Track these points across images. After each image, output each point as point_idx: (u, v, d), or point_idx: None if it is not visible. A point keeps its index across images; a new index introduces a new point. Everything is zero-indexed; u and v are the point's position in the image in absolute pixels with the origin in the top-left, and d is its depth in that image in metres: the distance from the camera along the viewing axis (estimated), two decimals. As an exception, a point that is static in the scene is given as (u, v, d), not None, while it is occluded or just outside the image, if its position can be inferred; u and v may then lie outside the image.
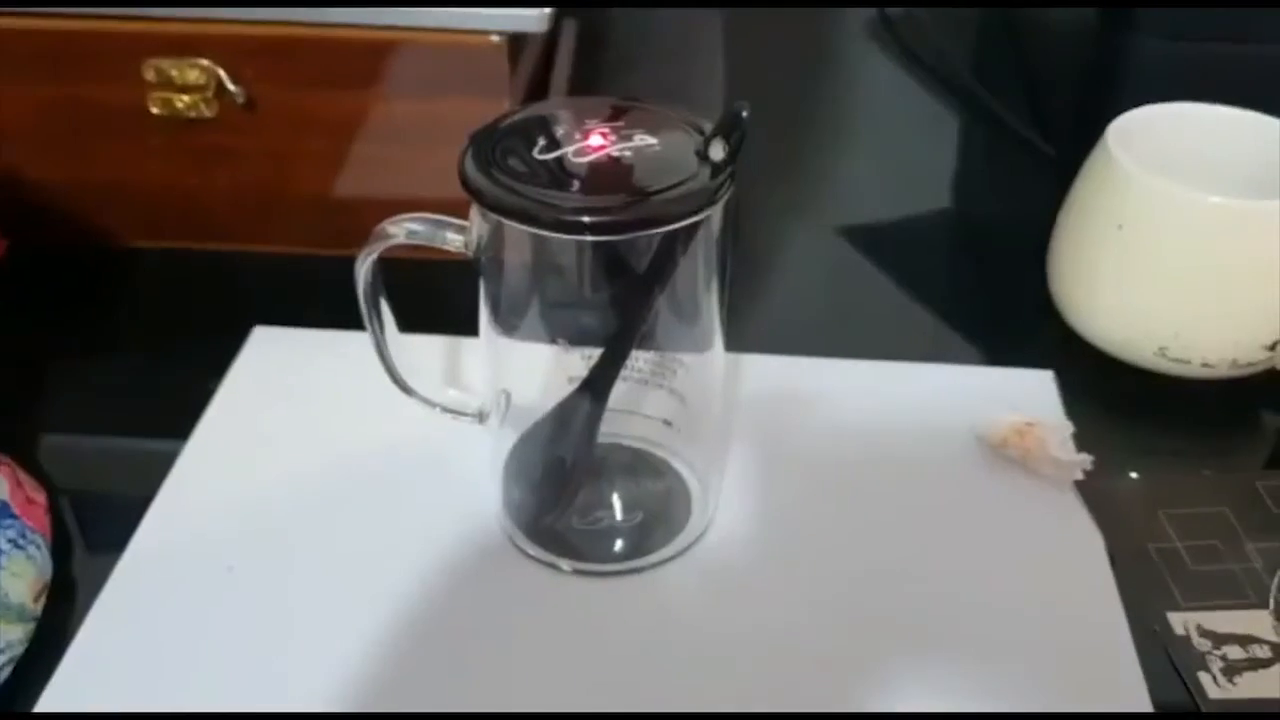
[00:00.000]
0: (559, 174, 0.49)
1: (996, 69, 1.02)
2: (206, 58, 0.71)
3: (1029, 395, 0.68)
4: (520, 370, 0.58)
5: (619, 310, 0.53)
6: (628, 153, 0.50)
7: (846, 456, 0.64)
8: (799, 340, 0.72)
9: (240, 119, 0.73)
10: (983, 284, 0.79)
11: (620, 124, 0.51)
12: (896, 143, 0.96)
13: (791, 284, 0.78)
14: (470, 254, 0.52)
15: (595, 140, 0.50)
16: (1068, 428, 0.63)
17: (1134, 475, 0.63)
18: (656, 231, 0.48)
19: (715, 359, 0.57)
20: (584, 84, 0.86)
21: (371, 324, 0.56)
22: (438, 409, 0.58)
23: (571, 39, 0.90)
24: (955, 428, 0.65)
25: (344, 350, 0.63)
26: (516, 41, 0.71)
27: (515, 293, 0.53)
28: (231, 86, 0.70)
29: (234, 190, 0.76)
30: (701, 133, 0.51)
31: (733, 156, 0.49)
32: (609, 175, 0.49)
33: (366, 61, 0.71)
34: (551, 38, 0.71)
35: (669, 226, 0.48)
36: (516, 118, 0.52)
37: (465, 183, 0.49)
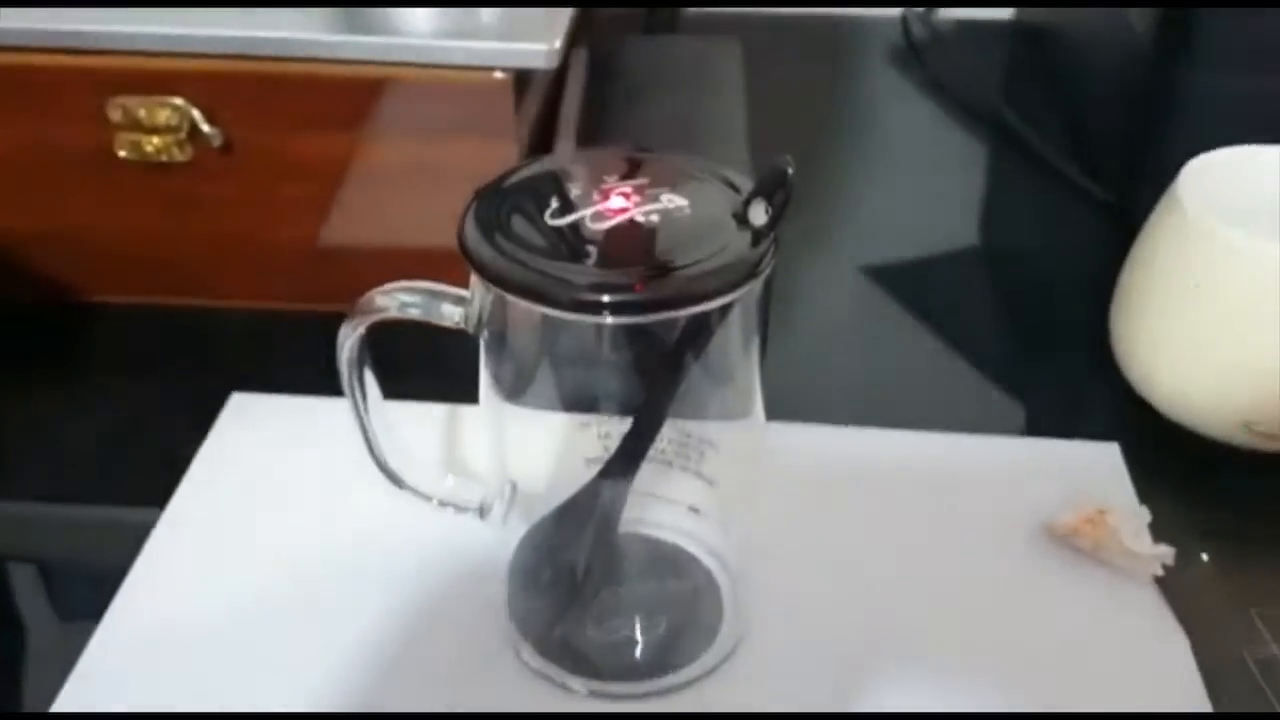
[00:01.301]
0: (574, 242, 0.42)
1: (1028, 96, 0.94)
2: (179, 96, 0.65)
3: (1093, 472, 0.61)
4: (527, 453, 0.51)
5: (644, 389, 0.45)
6: (654, 216, 0.43)
7: (898, 544, 0.57)
8: (826, 399, 0.66)
9: (217, 163, 0.67)
10: (1032, 339, 0.72)
11: (644, 181, 0.44)
12: (925, 178, 0.89)
13: (815, 334, 0.72)
14: (470, 330, 0.45)
15: (616, 202, 0.43)
16: (1144, 515, 0.56)
17: (1214, 566, 0.56)
18: (688, 312, 0.40)
19: (752, 437, 0.49)
20: (595, 119, 0.79)
21: (356, 404, 0.49)
22: (434, 503, 0.51)
23: (581, 70, 0.82)
24: (1015, 510, 0.59)
25: (329, 419, 0.55)
26: (522, 77, 0.64)
27: (522, 373, 0.46)
28: (206, 128, 0.64)
29: (210, 241, 0.70)
30: (738, 190, 0.44)
31: (776, 220, 0.42)
32: (632, 244, 0.42)
33: (356, 101, 0.65)
34: (560, 70, 0.64)
35: (703, 306, 0.40)
36: (524, 173, 0.45)
37: (466, 251, 0.42)
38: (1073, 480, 0.60)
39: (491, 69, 0.63)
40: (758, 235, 0.42)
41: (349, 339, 0.47)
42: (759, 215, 0.42)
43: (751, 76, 0.90)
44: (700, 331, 0.42)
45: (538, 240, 0.42)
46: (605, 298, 0.40)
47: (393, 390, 0.50)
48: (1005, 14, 1.07)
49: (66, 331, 0.71)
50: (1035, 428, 0.66)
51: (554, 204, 0.44)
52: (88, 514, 0.61)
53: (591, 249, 0.42)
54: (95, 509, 0.61)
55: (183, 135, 0.65)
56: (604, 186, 0.44)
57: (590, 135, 0.76)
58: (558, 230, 0.43)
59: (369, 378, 0.49)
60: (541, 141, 0.72)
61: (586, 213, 0.43)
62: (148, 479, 0.60)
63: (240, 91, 0.65)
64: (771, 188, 0.42)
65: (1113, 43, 0.84)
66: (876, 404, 0.66)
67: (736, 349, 0.46)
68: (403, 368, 0.50)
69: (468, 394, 0.49)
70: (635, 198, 0.44)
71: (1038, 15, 1.03)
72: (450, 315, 0.46)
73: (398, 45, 0.63)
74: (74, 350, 0.71)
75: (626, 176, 0.45)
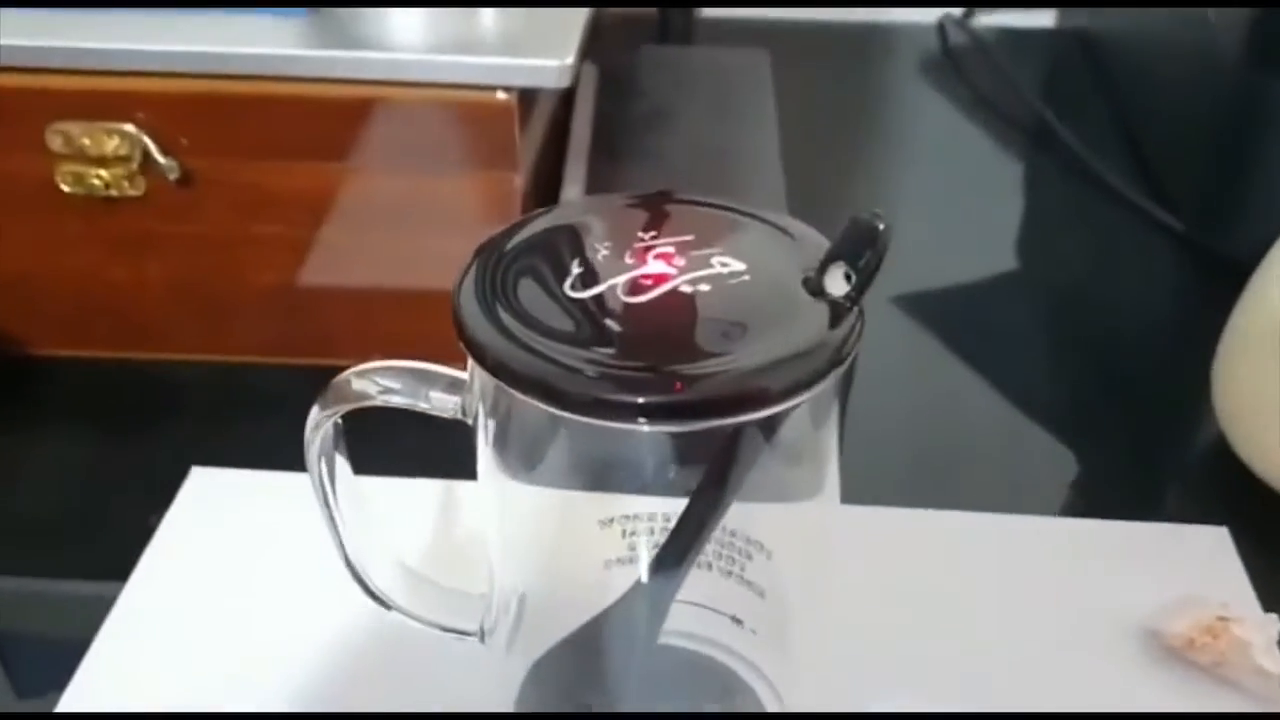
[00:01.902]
0: (602, 321, 0.32)
1: (1080, 109, 0.85)
2: (128, 122, 0.56)
3: (1197, 561, 0.52)
4: (536, 555, 0.43)
5: (690, 498, 0.36)
6: (703, 286, 0.33)
7: (977, 653, 0.48)
8: (872, 468, 0.56)
9: (175, 199, 0.58)
10: (1103, 393, 0.62)
11: (688, 238, 0.35)
12: (966, 199, 0.80)
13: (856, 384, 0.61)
14: (470, 421, 0.35)
15: (655, 266, 0.34)
16: (1273, 624, 0.46)
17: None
18: (748, 419, 0.31)
19: (817, 535, 0.40)
20: (611, 142, 0.70)
21: (329, 507, 0.40)
22: (423, 624, 0.41)
23: (592, 85, 0.73)
24: (1113, 610, 0.50)
25: (302, 499, 0.45)
26: (526, 97, 0.55)
27: (533, 474, 0.36)
28: (161, 159, 0.55)
29: (168, 287, 0.61)
30: (804, 246, 0.35)
31: (863, 290, 0.32)
32: (678, 324, 0.33)
33: (336, 126, 0.56)
34: (569, 88, 0.55)
35: (768, 410, 0.31)
36: (536, 226, 0.36)
37: (462, 329, 0.33)
38: (1175, 571, 0.51)
39: (493, 89, 0.55)
40: (838, 310, 0.33)
41: (318, 431, 0.38)
42: (838, 283, 0.33)
43: (777, 89, 0.81)
44: (762, 438, 0.33)
45: (554, 318, 0.33)
46: (640, 399, 0.30)
47: (375, 453, 0.42)
48: (1050, 17, 0.98)
49: (11, 390, 0.63)
50: (1116, 503, 0.56)
51: (574, 268, 0.34)
52: (41, 588, 0.55)
53: (624, 330, 0.32)
54: (47, 582, 0.55)
55: (134, 167, 0.57)
56: (638, 245, 0.35)
57: (605, 161, 0.68)
58: (580, 305, 0.33)
59: (344, 471, 0.39)
60: (548, 171, 0.64)
61: (618, 281, 0.34)
62: (98, 558, 0.54)
63: (200, 116, 0.56)
64: (856, 248, 0.33)
65: (1185, 47, 0.74)
66: (929, 469, 0.58)
67: (805, 431, 0.37)
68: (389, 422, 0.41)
69: (466, 464, 0.40)
70: (679, 260, 0.34)
71: (1090, 18, 0.93)
72: (443, 405, 0.37)
73: (384, 61, 0.54)
74: (14, 412, 0.62)
75: (663, 229, 0.36)
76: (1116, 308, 0.71)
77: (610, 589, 0.41)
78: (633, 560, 0.43)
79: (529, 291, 0.34)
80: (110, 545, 0.54)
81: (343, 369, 0.62)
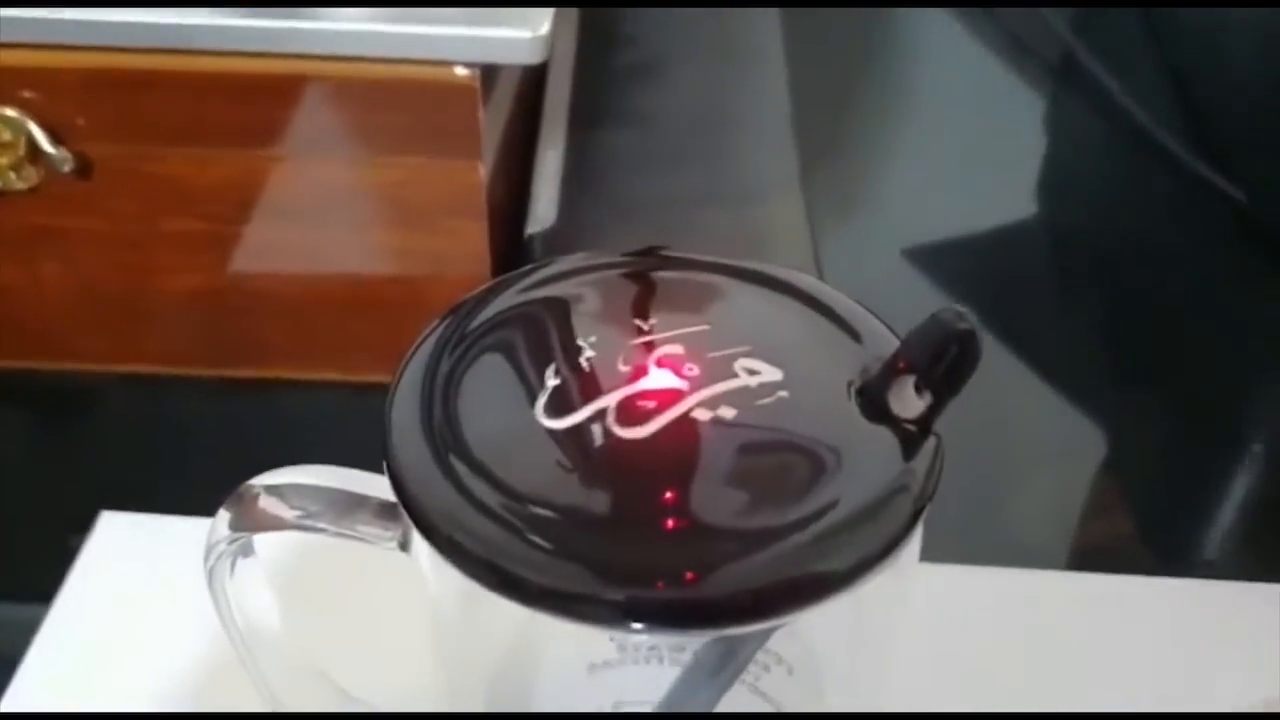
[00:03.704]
0: (586, 468, 0.23)
1: (1120, 53, 0.75)
2: (10, 104, 0.47)
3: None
4: (504, 664, 0.34)
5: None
6: (725, 409, 0.24)
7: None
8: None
9: (71, 191, 0.49)
10: (1168, 414, 0.53)
11: (704, 327, 0.25)
12: (995, 154, 0.71)
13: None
14: (408, 551, 0.26)
15: (659, 378, 0.24)
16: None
17: None
18: (781, 623, 0.22)
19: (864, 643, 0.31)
20: (593, 105, 0.60)
21: (238, 645, 0.31)
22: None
23: (571, 35, 0.63)
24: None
25: None
26: (490, 74, 0.45)
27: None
28: (50, 148, 0.45)
29: (71, 290, 0.53)
30: (854, 334, 0.25)
31: (941, 407, 0.23)
32: (692, 475, 0.23)
33: (263, 106, 0.48)
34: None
35: (826, 600, 0.21)
36: (495, 309, 0.27)
37: (395, 476, 0.23)
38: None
39: (450, 64, 0.45)
40: (909, 438, 0.23)
41: (219, 558, 0.28)
42: (910, 402, 0.24)
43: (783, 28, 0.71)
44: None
45: (520, 461, 0.23)
46: (622, 595, 0.21)
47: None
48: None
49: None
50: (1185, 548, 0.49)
51: (549, 378, 0.25)
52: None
53: (614, 483, 0.23)
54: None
55: (20, 155, 0.48)
56: (636, 340, 0.25)
57: (587, 127, 0.59)
58: (556, 439, 0.23)
59: (255, 596, 0.30)
60: (518, 148, 0.56)
61: (607, 403, 0.24)
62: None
63: (99, 96, 0.47)
64: (931, 353, 0.23)
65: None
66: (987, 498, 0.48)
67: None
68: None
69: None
70: (691, 366, 0.25)
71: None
72: (376, 536, 0.27)
73: (319, 32, 0.45)
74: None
75: (668, 311, 0.26)
76: (1156, 279, 0.63)
77: (594, 698, 0.34)
78: (621, 662, 0.35)
79: (487, 417, 0.24)
80: (22, 570, 0.49)
81: (275, 381, 0.54)
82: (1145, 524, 0.52)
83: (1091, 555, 0.51)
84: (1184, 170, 0.66)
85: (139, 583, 0.47)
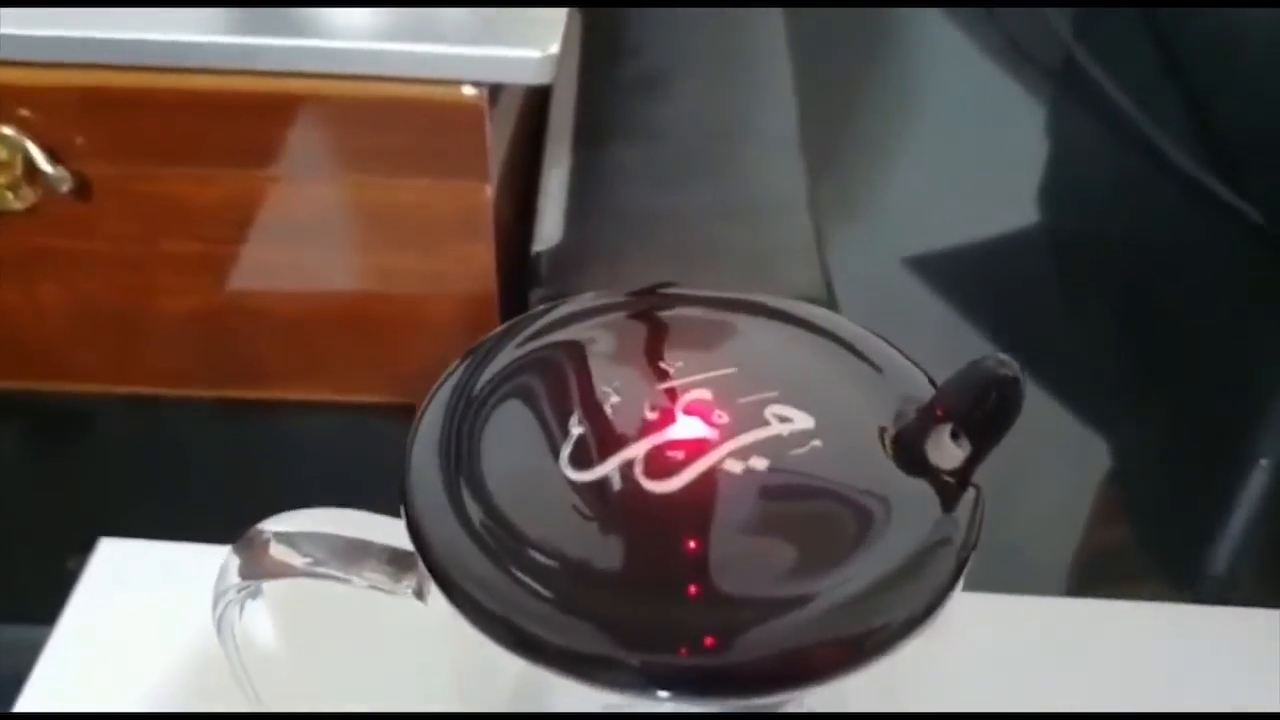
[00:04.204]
0: (611, 523, 0.22)
1: (1122, 57, 0.74)
2: (7, 122, 0.47)
3: None
4: (510, 692, 0.32)
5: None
6: (757, 461, 0.23)
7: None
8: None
9: (69, 211, 0.49)
10: (1172, 424, 0.52)
11: (729, 371, 0.24)
12: (998, 164, 0.71)
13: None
14: (424, 601, 0.25)
15: (687, 426, 0.23)
16: None
17: None
18: (835, 681, 0.21)
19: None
20: (599, 119, 0.59)
21: (246, 690, 0.29)
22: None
23: (575, 48, 0.62)
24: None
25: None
26: (495, 92, 0.44)
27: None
28: (48, 168, 0.44)
29: (69, 310, 0.53)
30: (876, 367, 0.25)
31: (981, 458, 0.22)
32: (722, 530, 0.22)
33: (263, 126, 0.47)
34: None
35: (867, 665, 0.20)
36: (512, 355, 0.26)
37: (412, 525, 0.22)
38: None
39: (458, 83, 0.44)
40: (947, 491, 0.22)
41: (228, 605, 0.27)
42: (946, 450, 0.23)
43: (798, 56, 0.70)
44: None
45: (542, 515, 0.22)
46: (640, 660, 0.20)
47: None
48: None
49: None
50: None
51: (574, 427, 0.24)
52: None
53: (640, 539, 0.22)
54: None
55: (17, 174, 0.47)
56: (663, 384, 0.24)
57: (592, 143, 0.59)
58: (580, 492, 0.22)
59: (264, 640, 0.29)
60: (523, 165, 0.55)
61: (634, 454, 0.23)
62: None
63: (98, 115, 0.47)
64: (970, 401, 0.22)
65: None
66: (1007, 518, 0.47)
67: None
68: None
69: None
70: (720, 414, 0.24)
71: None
72: (390, 586, 0.26)
73: (323, 50, 0.44)
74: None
75: (693, 354, 0.25)
76: (1165, 286, 0.62)
77: None
78: (635, 705, 0.33)
79: (509, 467, 0.23)
80: (20, 590, 0.48)
81: (276, 402, 0.53)
82: (1149, 535, 0.51)
83: (1098, 569, 0.50)
84: (1187, 176, 0.66)
85: (138, 611, 0.46)
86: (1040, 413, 0.54)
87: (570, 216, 0.53)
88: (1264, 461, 0.53)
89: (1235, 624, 0.45)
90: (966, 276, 0.62)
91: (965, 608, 0.38)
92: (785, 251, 0.54)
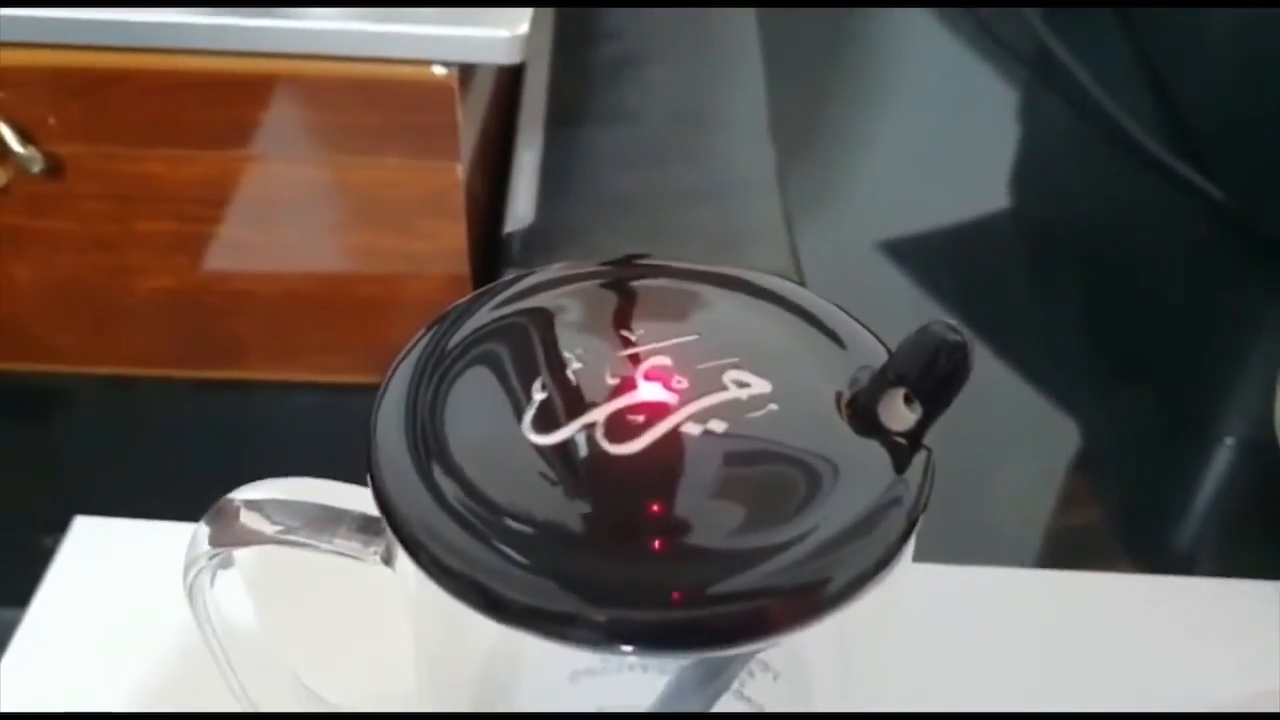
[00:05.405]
0: (573, 484, 0.22)
1: (1088, 38, 0.74)
2: None
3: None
4: (485, 672, 0.34)
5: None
6: (715, 423, 0.23)
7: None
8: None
9: (44, 192, 0.48)
10: (1142, 408, 0.53)
11: (691, 336, 0.24)
12: (968, 146, 0.71)
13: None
14: (392, 567, 0.26)
15: (648, 391, 0.23)
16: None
17: None
18: (772, 642, 0.22)
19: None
20: (571, 101, 0.59)
21: (220, 662, 0.29)
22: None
23: (547, 32, 0.62)
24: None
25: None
26: (467, 72, 0.44)
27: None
28: (19, 148, 0.44)
29: (43, 291, 0.52)
30: (838, 340, 0.25)
31: (931, 420, 0.22)
32: (681, 490, 0.22)
33: (237, 106, 0.47)
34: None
35: (821, 617, 0.21)
36: (479, 322, 0.26)
37: (378, 488, 0.22)
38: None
39: (428, 63, 0.44)
40: (898, 451, 0.23)
41: (199, 572, 0.28)
42: (898, 413, 0.23)
43: (769, 44, 0.70)
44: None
45: (506, 478, 0.23)
46: (606, 616, 0.21)
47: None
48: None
49: None
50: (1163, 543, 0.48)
51: (536, 392, 0.24)
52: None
53: (602, 499, 0.23)
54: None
55: None
56: (623, 352, 0.25)
57: (566, 125, 0.59)
58: (543, 455, 0.23)
59: (236, 609, 0.30)
60: (494, 145, 0.55)
61: (596, 417, 0.23)
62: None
63: (70, 95, 0.46)
64: (921, 366, 0.23)
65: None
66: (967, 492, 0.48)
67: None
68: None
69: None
70: (679, 379, 0.24)
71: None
72: (358, 551, 0.26)
73: (295, 30, 0.44)
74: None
75: (655, 321, 0.26)
76: (1133, 269, 0.62)
77: (576, 705, 0.34)
78: (604, 670, 0.34)
79: (473, 431, 0.24)
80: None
81: (252, 382, 0.53)
82: (1118, 518, 0.51)
83: (1066, 549, 0.50)
84: (1158, 164, 0.66)
85: (113, 588, 0.47)
86: (1009, 392, 0.55)
87: (543, 197, 0.54)
88: (1229, 440, 0.54)
89: (1197, 593, 0.46)
90: (936, 260, 0.62)
91: (930, 579, 0.38)
92: (755, 233, 0.55)
